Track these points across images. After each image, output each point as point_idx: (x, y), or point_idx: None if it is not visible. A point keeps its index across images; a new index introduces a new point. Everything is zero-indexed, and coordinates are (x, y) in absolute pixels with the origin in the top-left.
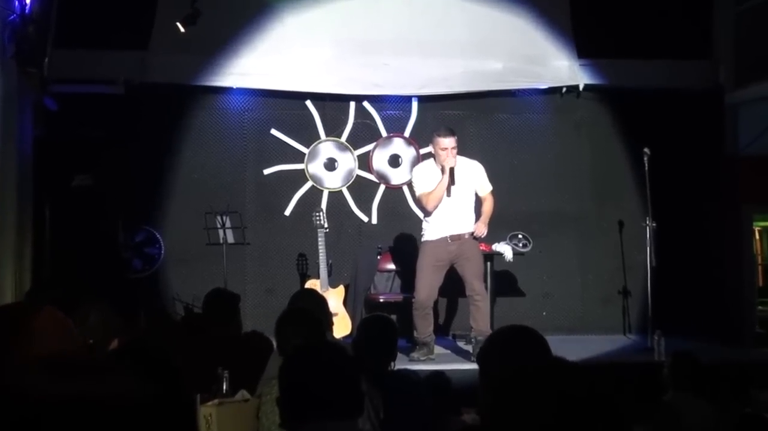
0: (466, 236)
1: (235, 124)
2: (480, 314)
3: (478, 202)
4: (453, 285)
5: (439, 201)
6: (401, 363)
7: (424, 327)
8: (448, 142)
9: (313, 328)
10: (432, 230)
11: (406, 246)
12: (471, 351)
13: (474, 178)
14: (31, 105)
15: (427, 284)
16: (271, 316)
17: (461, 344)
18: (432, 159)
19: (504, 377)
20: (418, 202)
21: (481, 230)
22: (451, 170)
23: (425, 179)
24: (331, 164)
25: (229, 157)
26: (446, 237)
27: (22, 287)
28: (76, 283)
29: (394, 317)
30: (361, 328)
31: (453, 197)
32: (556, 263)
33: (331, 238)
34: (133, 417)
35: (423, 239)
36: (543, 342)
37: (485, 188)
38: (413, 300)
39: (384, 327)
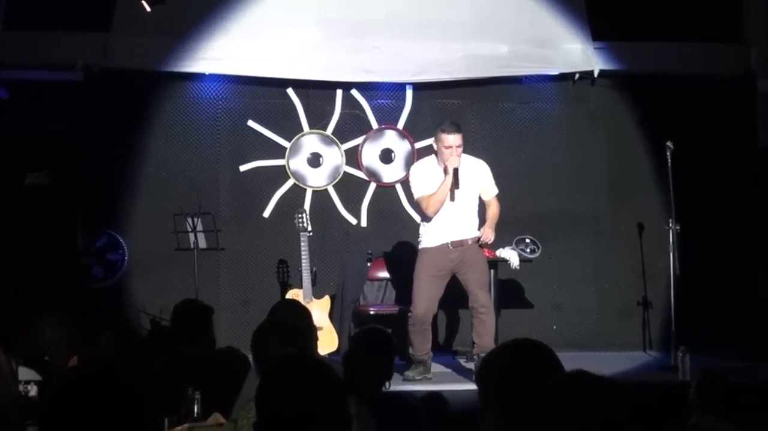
0: (470, 242)
1: (207, 115)
2: (484, 328)
3: (481, 204)
4: (454, 296)
5: (441, 205)
6: (394, 383)
7: (421, 343)
8: (453, 139)
9: (298, 344)
10: (431, 235)
11: (399, 252)
12: (473, 370)
13: (479, 179)
14: None
15: (426, 296)
16: (248, 330)
17: (462, 362)
18: (433, 156)
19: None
20: (416, 205)
21: (489, 235)
22: (455, 171)
23: (425, 179)
24: (315, 160)
25: (200, 152)
26: (447, 243)
27: None
28: (29, 293)
29: None
30: (354, 342)
31: (456, 200)
32: (568, 270)
33: (316, 243)
34: None
35: (421, 245)
36: (553, 358)
37: (490, 191)
38: (409, 314)
39: (380, 341)
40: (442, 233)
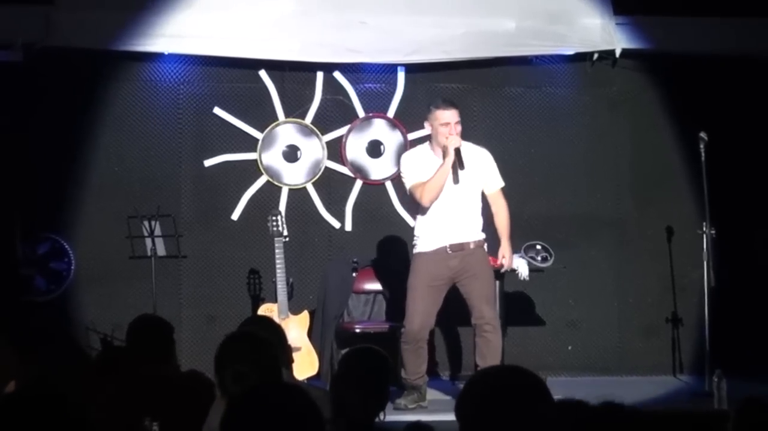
0: (472, 246)
1: (167, 101)
2: (489, 349)
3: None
4: (454, 310)
5: (439, 193)
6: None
7: (416, 365)
8: (450, 115)
9: (268, 361)
10: (427, 238)
11: (390, 260)
12: None
13: (481, 170)
14: None
15: (421, 309)
16: (214, 351)
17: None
18: (426, 144)
19: None
20: (410, 197)
21: (509, 259)
22: (457, 150)
23: (419, 166)
24: (291, 154)
25: (159, 144)
26: (445, 247)
27: None
28: None
29: None
30: (344, 364)
31: (456, 194)
32: (586, 282)
33: (293, 249)
34: None
35: (415, 250)
36: (541, 388)
37: (495, 182)
38: (402, 330)
39: (375, 363)
40: (440, 235)
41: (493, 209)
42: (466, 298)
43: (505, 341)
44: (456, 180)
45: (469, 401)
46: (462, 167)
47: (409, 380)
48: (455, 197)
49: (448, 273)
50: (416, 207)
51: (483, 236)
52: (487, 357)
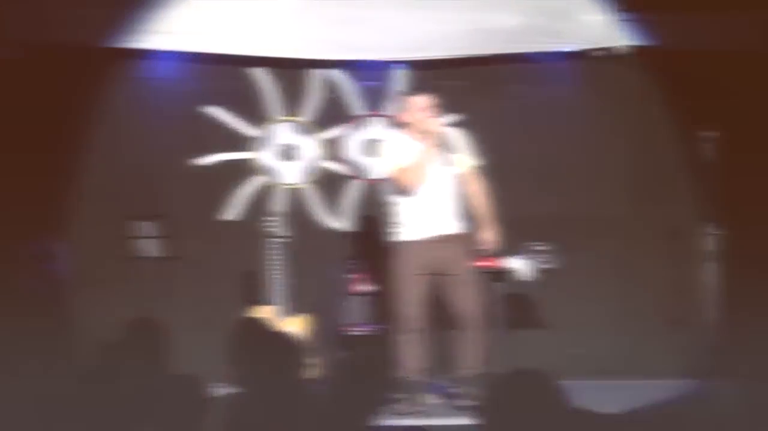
0: (457, 238)
1: (161, 99)
2: (471, 343)
3: None
4: (439, 312)
5: (423, 178)
6: (381, 418)
7: (411, 359)
8: (423, 99)
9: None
10: (410, 226)
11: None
12: (468, 400)
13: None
14: None
15: (414, 297)
16: (208, 355)
17: (460, 391)
18: (403, 131)
19: None
20: (392, 184)
21: (491, 237)
22: (442, 134)
23: (399, 153)
24: (288, 153)
25: (151, 143)
26: (434, 237)
27: None
28: None
29: None
30: (342, 368)
31: (439, 180)
32: (589, 283)
33: (289, 251)
34: None
35: (399, 238)
36: (557, 391)
37: (469, 160)
38: (394, 324)
39: (373, 367)
40: (426, 224)
41: (468, 189)
42: (451, 300)
43: (507, 344)
44: (450, 164)
45: (488, 405)
46: (453, 150)
47: (405, 380)
48: (438, 185)
49: (434, 263)
50: (398, 193)
51: (461, 225)
52: (469, 351)
